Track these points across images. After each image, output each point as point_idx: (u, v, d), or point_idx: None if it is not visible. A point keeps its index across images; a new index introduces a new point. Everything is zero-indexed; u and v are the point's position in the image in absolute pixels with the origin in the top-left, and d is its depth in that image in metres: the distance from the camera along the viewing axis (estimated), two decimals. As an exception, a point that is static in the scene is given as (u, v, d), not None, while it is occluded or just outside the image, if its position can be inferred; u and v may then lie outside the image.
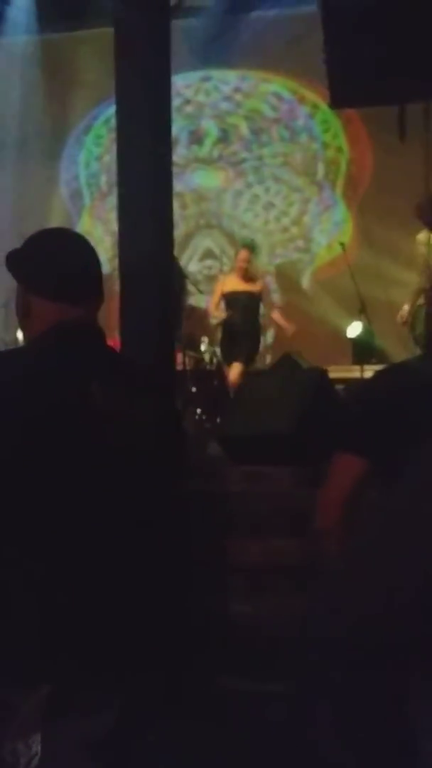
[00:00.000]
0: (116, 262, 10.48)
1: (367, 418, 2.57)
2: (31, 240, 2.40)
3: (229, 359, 9.35)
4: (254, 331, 9.54)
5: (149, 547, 2.37)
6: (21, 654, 2.21)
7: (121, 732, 2.38)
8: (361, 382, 7.46)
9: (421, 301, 8.02)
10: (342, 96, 5.59)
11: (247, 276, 9.41)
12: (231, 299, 9.35)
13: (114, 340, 8.85)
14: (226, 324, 9.41)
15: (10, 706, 2.24)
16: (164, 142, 5.59)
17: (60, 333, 2.28)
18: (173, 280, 6.56)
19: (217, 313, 9.53)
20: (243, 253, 9.51)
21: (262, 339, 9.92)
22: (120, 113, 5.53)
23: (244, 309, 9.33)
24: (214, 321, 9.61)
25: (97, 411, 2.21)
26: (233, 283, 9.40)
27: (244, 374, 9.05)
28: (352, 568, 1.42)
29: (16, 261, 2.35)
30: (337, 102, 6.17)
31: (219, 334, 9.59)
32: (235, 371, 9.22)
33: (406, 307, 8.32)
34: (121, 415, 2.25)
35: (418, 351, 8.27)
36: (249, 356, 9.41)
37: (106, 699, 2.33)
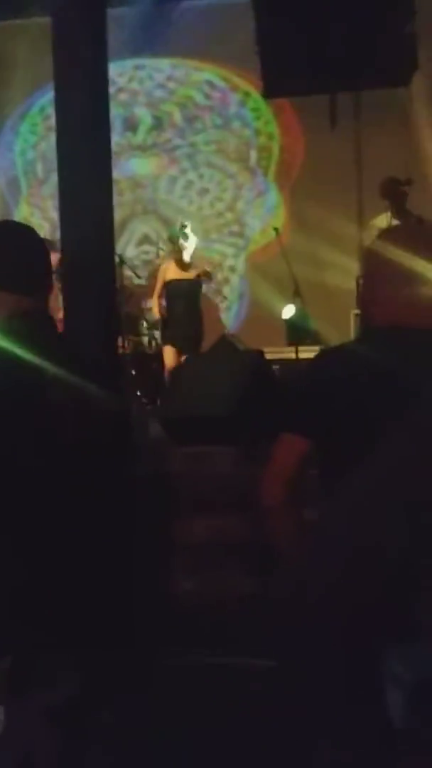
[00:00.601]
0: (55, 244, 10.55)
1: (310, 399, 2.62)
2: None
3: (167, 343, 9.30)
4: (196, 317, 9.45)
5: (104, 528, 2.44)
6: None
7: (81, 704, 2.44)
8: (303, 363, 7.54)
9: None
10: (275, 86, 5.65)
11: (184, 263, 9.35)
12: (171, 287, 9.28)
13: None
14: (167, 310, 9.39)
15: None
16: (103, 129, 5.60)
17: (16, 322, 2.33)
18: (114, 265, 6.58)
19: (159, 302, 9.51)
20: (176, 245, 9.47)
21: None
22: (59, 102, 5.53)
23: (185, 296, 9.28)
24: (153, 310, 9.59)
25: (54, 401, 2.27)
26: (173, 272, 9.32)
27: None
28: (316, 544, 1.48)
29: None
30: (270, 92, 6.23)
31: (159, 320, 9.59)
32: (170, 355, 9.20)
33: None
34: (76, 404, 2.31)
35: (350, 332, 8.40)
36: (190, 342, 9.30)
37: (65, 672, 2.39)
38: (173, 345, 9.19)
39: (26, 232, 2.55)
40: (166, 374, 9.13)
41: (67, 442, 2.32)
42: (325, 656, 1.35)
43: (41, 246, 2.48)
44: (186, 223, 9.58)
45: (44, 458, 2.29)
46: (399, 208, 8.29)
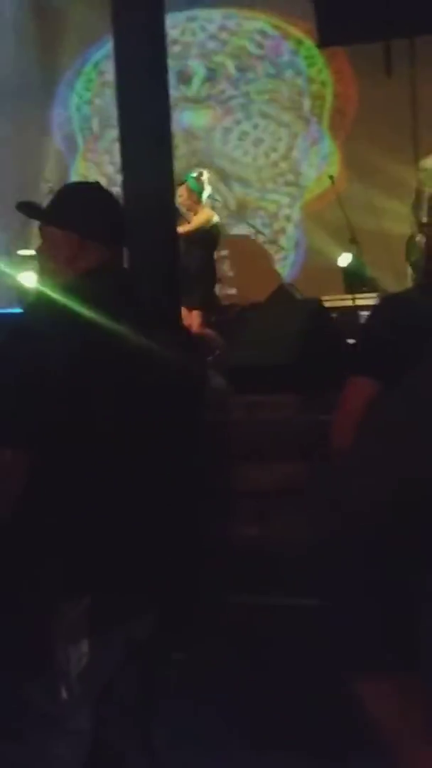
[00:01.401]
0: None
1: (377, 343, 2.65)
2: (72, 192, 2.76)
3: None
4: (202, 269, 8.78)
5: (186, 477, 2.58)
6: (69, 564, 2.39)
7: (157, 640, 2.56)
8: (361, 310, 7.53)
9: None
10: (329, 34, 5.60)
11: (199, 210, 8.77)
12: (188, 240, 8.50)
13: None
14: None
15: (58, 612, 2.43)
16: (161, 80, 5.60)
17: (110, 274, 2.57)
18: (175, 217, 6.58)
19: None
20: (181, 190, 8.55)
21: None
22: (117, 54, 5.53)
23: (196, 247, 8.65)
24: None
25: (128, 352, 2.38)
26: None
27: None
28: (357, 464, 1.52)
29: (65, 210, 2.62)
30: (325, 41, 6.19)
31: None
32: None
33: None
34: (161, 352, 2.44)
35: (408, 279, 8.34)
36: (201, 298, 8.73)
37: (145, 606, 2.53)
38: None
39: (106, 191, 2.70)
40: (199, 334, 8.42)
41: (159, 396, 2.46)
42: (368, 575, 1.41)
43: (119, 203, 2.70)
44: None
45: (144, 408, 2.42)
46: None
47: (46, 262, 2.64)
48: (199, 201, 8.78)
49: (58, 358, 2.32)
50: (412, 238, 8.16)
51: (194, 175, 8.96)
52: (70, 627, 2.42)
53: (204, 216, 8.82)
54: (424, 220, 7.48)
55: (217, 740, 3.76)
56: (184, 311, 8.42)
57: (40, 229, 2.67)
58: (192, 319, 8.61)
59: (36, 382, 2.31)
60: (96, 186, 2.77)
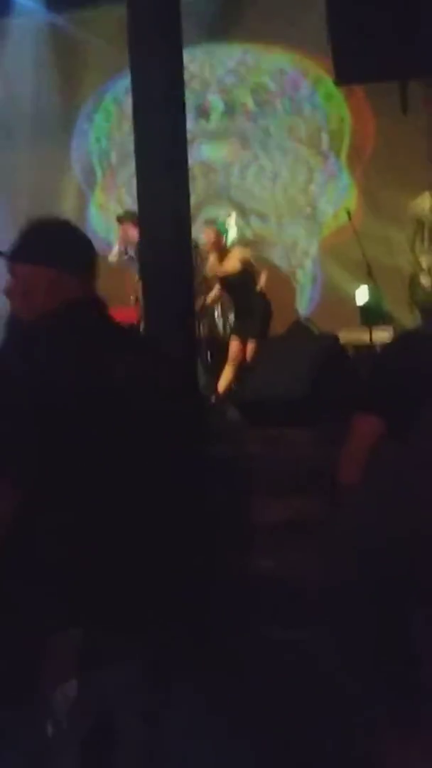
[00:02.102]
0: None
1: (385, 383, 2.69)
2: (41, 228, 2.66)
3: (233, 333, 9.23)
4: (259, 307, 9.32)
5: (173, 503, 2.50)
6: (53, 597, 2.34)
7: (153, 679, 2.52)
8: (377, 346, 7.56)
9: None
10: (347, 73, 5.67)
11: (224, 252, 9.27)
12: (230, 280, 9.21)
13: (125, 308, 8.98)
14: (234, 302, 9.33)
15: (48, 645, 2.38)
16: (178, 114, 5.68)
17: (90, 303, 2.56)
18: (191, 249, 6.65)
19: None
20: (210, 231, 9.32)
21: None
22: (135, 89, 5.62)
23: (239, 289, 9.21)
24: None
25: (118, 379, 2.38)
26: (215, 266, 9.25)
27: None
28: (371, 504, 1.53)
29: (38, 246, 2.59)
30: (342, 79, 6.25)
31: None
32: (234, 346, 9.17)
33: None
34: (137, 381, 2.41)
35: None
36: (255, 332, 9.17)
37: (135, 647, 2.46)
38: (238, 336, 9.13)
39: (72, 224, 2.71)
40: (230, 363, 9.07)
41: (131, 422, 2.40)
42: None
43: (86, 235, 2.67)
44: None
45: (111, 436, 2.37)
46: None
47: (21, 300, 2.59)
48: (225, 244, 9.13)
49: (47, 388, 2.32)
50: (415, 278, 8.22)
51: (223, 218, 9.49)
52: (60, 662, 2.38)
53: (236, 259, 9.20)
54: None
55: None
56: (238, 344, 8.80)
57: (10, 268, 2.62)
58: (247, 349, 8.85)
59: (22, 412, 2.31)
60: (62, 220, 2.77)
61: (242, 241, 9.87)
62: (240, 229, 10.60)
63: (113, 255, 9.40)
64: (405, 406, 2.59)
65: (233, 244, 9.39)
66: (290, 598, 4.71)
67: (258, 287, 9.35)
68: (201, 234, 9.31)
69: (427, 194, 8.19)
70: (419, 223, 8.16)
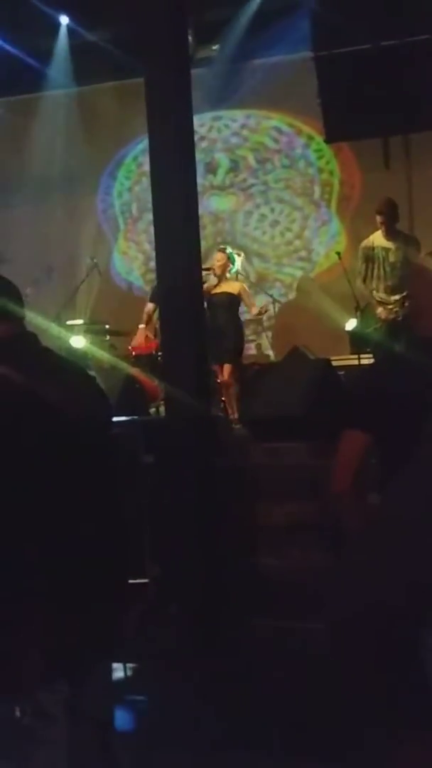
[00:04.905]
0: (148, 275, 10.70)
1: (368, 400, 2.68)
2: None
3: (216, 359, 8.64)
4: (235, 330, 8.99)
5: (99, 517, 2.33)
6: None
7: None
8: (361, 370, 7.54)
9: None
10: (335, 131, 5.69)
11: (224, 278, 8.98)
12: (212, 300, 8.72)
13: (145, 338, 8.98)
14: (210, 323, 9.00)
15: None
16: (189, 172, 5.69)
17: (27, 337, 2.49)
18: (202, 289, 6.65)
19: None
20: (220, 255, 9.06)
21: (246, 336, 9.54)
22: (152, 150, 5.63)
23: (224, 309, 8.83)
24: None
25: (49, 402, 2.26)
26: (212, 286, 8.87)
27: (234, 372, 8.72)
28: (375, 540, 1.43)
29: None
30: (331, 137, 6.27)
31: None
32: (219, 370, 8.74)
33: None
34: (63, 404, 2.29)
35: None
36: (231, 353, 8.86)
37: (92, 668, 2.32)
38: (218, 360, 8.62)
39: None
40: (221, 388, 8.64)
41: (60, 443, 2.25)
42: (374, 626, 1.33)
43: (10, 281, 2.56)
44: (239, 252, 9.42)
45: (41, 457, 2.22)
46: (391, 227, 8.16)
47: None
48: (229, 272, 8.96)
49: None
50: (369, 309, 8.18)
51: (234, 251, 9.29)
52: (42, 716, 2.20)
53: (238, 285, 9.10)
54: (395, 297, 7.51)
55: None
56: (215, 365, 8.60)
57: None
58: (223, 372, 8.72)
59: None
60: None
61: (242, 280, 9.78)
62: (244, 268, 10.61)
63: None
64: (384, 423, 2.58)
65: (235, 275, 9.29)
66: (292, 592, 4.68)
67: (239, 317, 9.09)
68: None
69: (378, 233, 8.16)
70: (369, 259, 8.14)
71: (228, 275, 9.06)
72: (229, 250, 9.24)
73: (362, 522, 2.48)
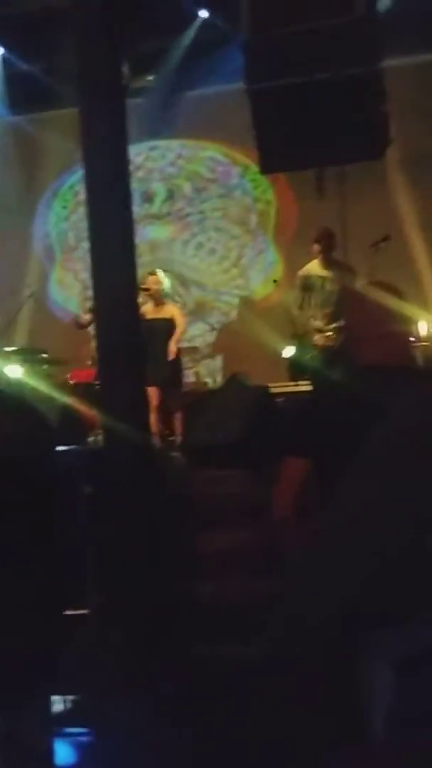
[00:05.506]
0: (85, 303, 10.67)
1: (307, 428, 2.70)
2: None
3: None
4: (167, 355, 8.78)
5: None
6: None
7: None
8: (301, 400, 7.58)
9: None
10: (269, 163, 5.74)
11: (159, 302, 8.87)
12: (147, 326, 8.31)
13: (84, 369, 8.94)
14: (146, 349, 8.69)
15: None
16: (125, 201, 5.71)
17: None
18: (139, 316, 6.65)
19: None
20: (153, 279, 8.81)
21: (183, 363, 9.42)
22: (88, 179, 5.64)
23: (160, 335, 8.70)
24: None
25: None
26: (149, 310, 8.71)
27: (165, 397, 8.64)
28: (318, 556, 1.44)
29: None
30: (265, 168, 6.33)
31: None
32: (153, 394, 8.29)
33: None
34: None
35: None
36: (172, 381, 8.78)
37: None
38: (154, 384, 8.22)
39: None
40: (153, 414, 8.19)
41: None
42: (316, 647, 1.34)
43: None
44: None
45: None
46: (328, 257, 8.31)
47: None
48: (161, 294, 8.90)
49: None
50: (306, 336, 8.26)
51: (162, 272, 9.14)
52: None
53: (173, 309, 9.01)
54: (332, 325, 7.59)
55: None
56: (152, 390, 8.50)
57: None
58: (162, 398, 8.65)
59: None
60: None
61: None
62: (182, 296, 10.63)
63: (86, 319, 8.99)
64: (323, 449, 2.61)
65: (167, 297, 9.19)
66: (231, 619, 4.68)
67: (176, 341, 8.94)
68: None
69: (315, 262, 8.29)
70: (307, 287, 8.24)
71: (163, 297, 9.01)
72: (159, 272, 9.16)
73: (303, 547, 2.50)
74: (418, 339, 7.94)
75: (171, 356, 8.82)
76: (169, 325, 8.89)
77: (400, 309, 2.71)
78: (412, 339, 6.93)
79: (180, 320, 9.05)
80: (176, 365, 9.01)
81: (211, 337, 11.15)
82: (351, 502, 1.40)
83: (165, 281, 9.03)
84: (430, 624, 1.30)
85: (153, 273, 9.15)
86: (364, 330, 2.69)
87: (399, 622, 1.41)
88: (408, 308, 2.80)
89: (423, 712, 1.38)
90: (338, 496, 1.57)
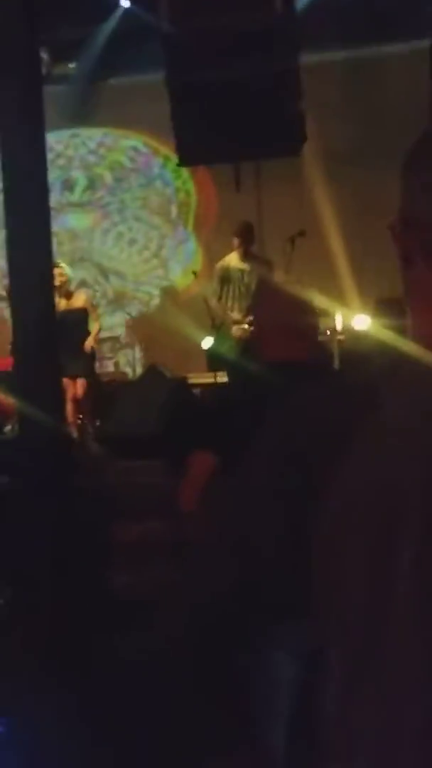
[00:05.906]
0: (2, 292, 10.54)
1: (216, 421, 2.73)
2: None
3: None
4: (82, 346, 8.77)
5: None
6: None
7: None
8: (216, 392, 7.62)
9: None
10: (187, 156, 5.78)
11: (68, 293, 8.78)
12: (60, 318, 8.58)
13: (5, 357, 8.84)
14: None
15: None
16: (42, 189, 5.68)
17: None
18: (54, 305, 6.61)
19: None
20: (58, 271, 8.40)
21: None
22: (4, 168, 5.59)
23: (73, 325, 8.55)
24: None
25: None
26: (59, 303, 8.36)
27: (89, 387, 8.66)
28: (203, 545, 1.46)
29: None
30: (184, 161, 6.37)
31: None
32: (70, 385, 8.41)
33: None
34: None
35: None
36: (88, 370, 8.79)
37: None
38: (69, 375, 8.24)
39: None
40: (69, 404, 8.27)
41: None
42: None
43: None
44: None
45: None
46: (247, 250, 8.41)
47: None
48: (68, 285, 8.84)
49: None
50: (224, 328, 8.35)
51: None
52: None
53: (83, 298, 8.97)
54: (249, 318, 7.66)
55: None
56: (68, 382, 8.47)
57: None
58: (76, 387, 8.62)
59: None
60: None
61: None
62: (102, 285, 10.58)
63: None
64: (233, 446, 2.63)
65: (76, 286, 9.17)
66: (143, 609, 4.70)
67: (91, 330, 8.93)
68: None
69: (234, 254, 8.36)
70: (225, 279, 8.33)
71: (70, 288, 8.93)
72: (61, 264, 9.00)
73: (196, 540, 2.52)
74: (334, 333, 8.05)
75: (87, 348, 8.80)
76: (82, 315, 8.85)
77: (314, 303, 2.75)
78: (324, 333, 7.05)
79: (90, 305, 9.02)
80: (91, 356, 9.00)
81: (130, 328, 11.12)
82: (231, 498, 1.41)
83: (67, 270, 8.95)
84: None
85: (56, 265, 9.03)
86: (269, 324, 2.72)
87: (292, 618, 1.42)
88: (323, 302, 2.84)
89: (317, 709, 1.40)
90: (223, 491, 1.59)
